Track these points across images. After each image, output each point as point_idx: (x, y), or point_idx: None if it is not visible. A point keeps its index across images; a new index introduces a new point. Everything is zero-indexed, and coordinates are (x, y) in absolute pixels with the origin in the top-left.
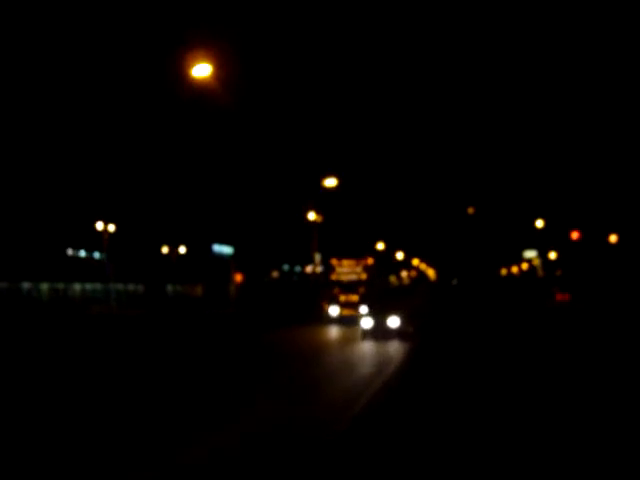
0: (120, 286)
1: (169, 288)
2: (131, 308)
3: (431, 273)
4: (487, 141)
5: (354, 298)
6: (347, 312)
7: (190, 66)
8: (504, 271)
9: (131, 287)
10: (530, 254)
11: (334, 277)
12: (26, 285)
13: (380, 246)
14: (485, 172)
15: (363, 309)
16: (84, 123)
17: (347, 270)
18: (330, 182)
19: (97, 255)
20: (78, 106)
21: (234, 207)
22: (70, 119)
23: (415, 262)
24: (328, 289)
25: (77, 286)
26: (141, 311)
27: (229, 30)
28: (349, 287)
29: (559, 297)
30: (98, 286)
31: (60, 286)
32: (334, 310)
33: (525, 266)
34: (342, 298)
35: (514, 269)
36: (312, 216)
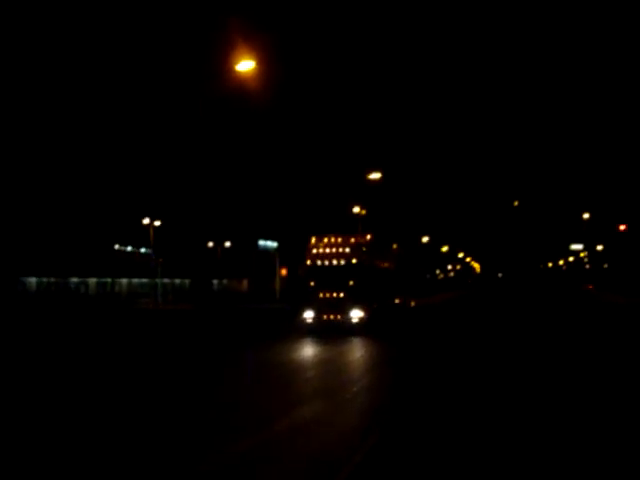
0: (166, 281)
1: (215, 283)
2: (177, 303)
3: (476, 266)
4: (533, 134)
5: (340, 295)
6: (329, 317)
7: (234, 62)
8: (550, 264)
9: (177, 282)
10: (577, 247)
11: (309, 262)
12: (74, 280)
13: (425, 239)
14: (531, 165)
15: (355, 313)
16: (129, 120)
17: (330, 251)
18: (374, 175)
19: (144, 250)
20: (122, 105)
21: (279, 202)
22: (113, 116)
23: (460, 255)
24: (304, 281)
25: (124, 281)
26: (187, 306)
27: (272, 27)
28: (333, 278)
29: (585, 287)
30: (145, 281)
31: (107, 281)
32: (309, 314)
33: (572, 259)
34: (321, 295)
35: (560, 262)
36: (356, 209)
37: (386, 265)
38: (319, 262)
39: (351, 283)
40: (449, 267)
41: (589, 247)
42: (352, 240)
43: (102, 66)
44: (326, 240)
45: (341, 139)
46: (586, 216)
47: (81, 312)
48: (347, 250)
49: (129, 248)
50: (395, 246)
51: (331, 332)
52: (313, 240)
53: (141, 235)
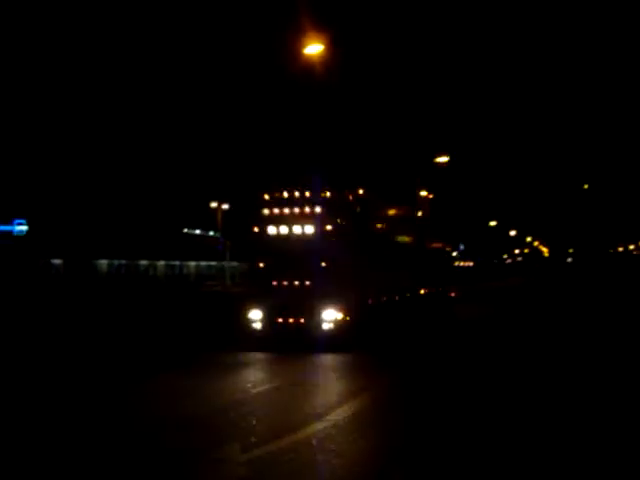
0: (234, 264)
1: None
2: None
3: (545, 250)
4: (604, 117)
5: (305, 284)
6: (287, 320)
7: (303, 45)
8: (620, 249)
9: (245, 265)
10: None
11: (256, 229)
12: (143, 262)
13: (493, 223)
14: (602, 147)
15: (329, 314)
16: (197, 105)
17: (290, 213)
18: (442, 159)
19: (212, 233)
20: (189, 89)
21: (343, 184)
22: (182, 101)
23: (528, 239)
24: (251, 262)
25: (192, 264)
26: None
27: (345, 11)
28: (294, 256)
29: None
30: (212, 264)
31: (176, 264)
32: (256, 315)
33: None
34: (276, 284)
35: (631, 246)
36: (424, 193)
37: (400, 238)
38: (273, 231)
39: (324, 265)
40: (517, 251)
41: None
42: (328, 194)
43: (171, 49)
44: (286, 195)
45: (409, 123)
46: None
47: (150, 294)
48: (318, 210)
49: (197, 231)
50: (421, 213)
51: (290, 344)
52: (265, 196)
53: (209, 219)
